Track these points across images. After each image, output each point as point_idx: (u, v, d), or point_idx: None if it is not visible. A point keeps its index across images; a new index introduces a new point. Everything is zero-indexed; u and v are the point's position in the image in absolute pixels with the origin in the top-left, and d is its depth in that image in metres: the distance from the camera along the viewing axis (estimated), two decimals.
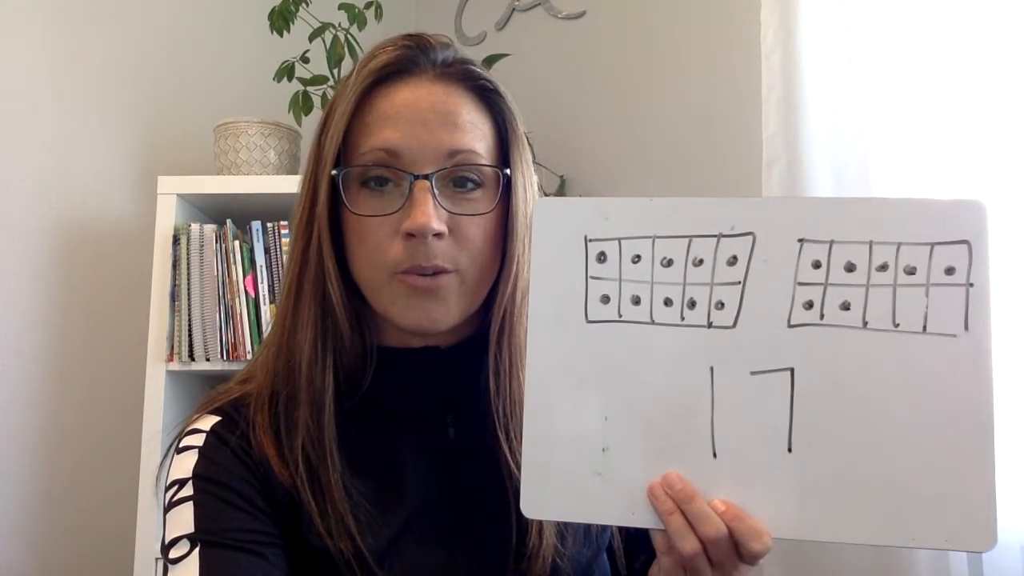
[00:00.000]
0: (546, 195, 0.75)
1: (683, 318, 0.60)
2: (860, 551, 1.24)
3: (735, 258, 0.60)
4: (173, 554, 0.66)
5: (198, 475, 0.69)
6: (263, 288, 1.60)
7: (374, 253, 0.69)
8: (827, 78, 1.36)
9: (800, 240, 0.59)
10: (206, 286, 1.58)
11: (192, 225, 1.59)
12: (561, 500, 0.61)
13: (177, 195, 1.61)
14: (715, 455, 0.59)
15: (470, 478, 0.73)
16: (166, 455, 0.73)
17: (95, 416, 1.72)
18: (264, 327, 1.57)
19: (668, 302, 0.60)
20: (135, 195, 1.81)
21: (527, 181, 0.74)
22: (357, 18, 1.71)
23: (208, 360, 1.56)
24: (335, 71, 1.70)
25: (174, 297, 1.58)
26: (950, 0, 1.26)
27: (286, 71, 1.71)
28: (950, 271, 0.57)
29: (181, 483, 0.69)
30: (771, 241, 0.59)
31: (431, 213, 0.67)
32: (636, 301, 0.61)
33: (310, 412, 0.69)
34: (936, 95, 1.26)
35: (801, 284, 0.59)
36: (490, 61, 1.78)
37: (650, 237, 0.61)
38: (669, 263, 0.61)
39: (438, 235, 0.68)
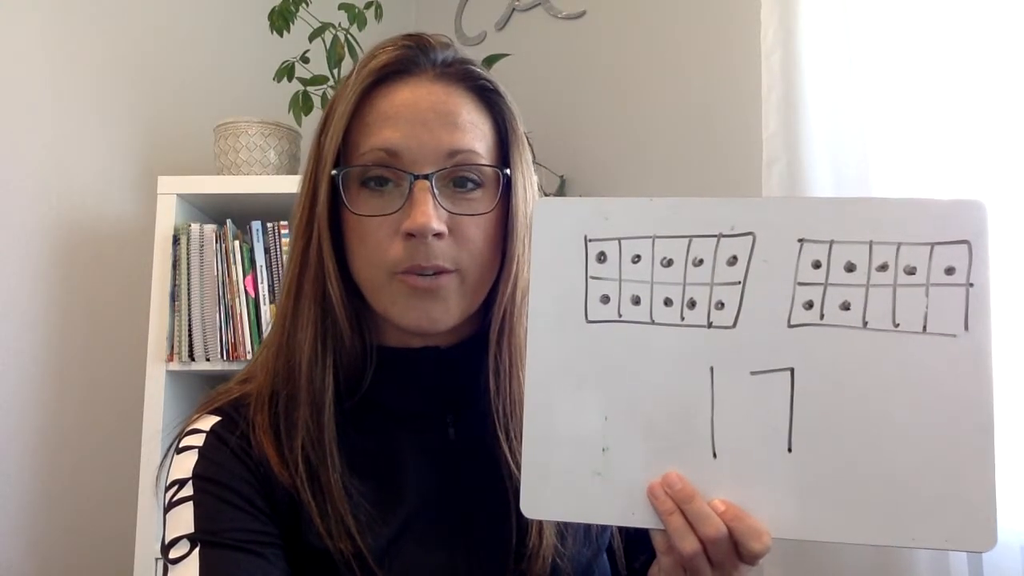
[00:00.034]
0: (546, 195, 0.74)
1: (683, 318, 0.60)
2: (860, 551, 1.24)
3: (735, 258, 0.60)
4: (173, 554, 0.66)
5: (198, 475, 0.69)
6: (263, 288, 1.60)
7: (374, 253, 0.69)
8: (827, 78, 1.36)
9: (800, 240, 0.59)
10: (206, 286, 1.58)
11: (192, 225, 1.59)
12: (561, 500, 0.61)
13: (177, 195, 1.61)
14: (715, 455, 0.59)
15: (470, 478, 0.73)
16: (166, 455, 0.73)
17: (95, 416, 1.72)
18: (264, 327, 1.57)
19: (668, 302, 0.60)
20: (135, 195, 1.81)
21: (527, 181, 0.74)
22: (357, 18, 1.71)
23: (208, 360, 1.56)
24: (335, 71, 1.70)
25: (174, 297, 1.58)
26: (950, 0, 1.26)
27: (286, 71, 1.71)
28: (950, 271, 0.57)
29: (181, 483, 0.69)
30: (771, 241, 0.59)
31: (431, 213, 0.67)
32: (636, 301, 0.61)
33: (310, 412, 0.69)
34: (936, 95, 1.26)
35: (801, 284, 0.59)
36: (490, 61, 1.78)
37: (650, 237, 0.61)
38: (669, 263, 0.61)
39: (438, 235, 0.68)
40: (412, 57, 0.72)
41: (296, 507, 0.68)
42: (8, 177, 1.62)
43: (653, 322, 0.60)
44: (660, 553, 0.61)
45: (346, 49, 1.70)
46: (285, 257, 1.54)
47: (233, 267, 1.59)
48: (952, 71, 1.25)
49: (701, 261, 0.60)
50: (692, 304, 0.60)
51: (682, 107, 1.78)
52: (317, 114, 1.61)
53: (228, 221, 1.62)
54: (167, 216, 1.60)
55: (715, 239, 0.60)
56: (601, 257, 0.62)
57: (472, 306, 0.72)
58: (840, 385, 0.58)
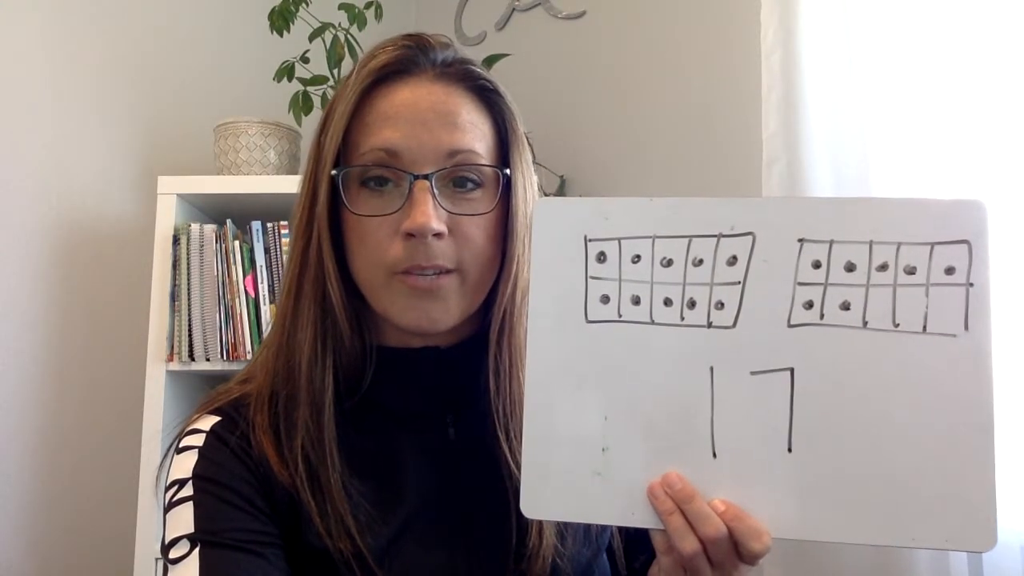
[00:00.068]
0: (546, 195, 0.75)
1: (683, 318, 0.60)
2: (860, 551, 1.24)
3: (735, 258, 0.60)
4: (173, 554, 0.66)
5: (198, 475, 0.69)
6: (263, 288, 1.59)
7: (374, 253, 0.69)
8: (827, 78, 1.36)
9: (800, 240, 0.59)
10: (206, 286, 1.58)
11: (192, 225, 1.59)
12: (561, 500, 0.61)
13: (177, 195, 1.61)
14: (715, 455, 0.59)
15: (470, 478, 0.73)
16: (166, 455, 0.73)
17: (95, 416, 1.72)
18: (264, 327, 1.57)
19: (668, 302, 0.60)
20: (135, 195, 1.81)
21: (527, 181, 0.74)
22: (357, 18, 1.71)
23: (208, 360, 1.56)
24: (335, 71, 1.70)
25: (174, 297, 1.58)
26: (950, 0, 1.26)
27: (286, 71, 1.71)
28: (950, 271, 0.57)
29: (181, 483, 0.69)
30: (771, 241, 0.59)
31: (431, 213, 0.67)
32: (636, 301, 0.61)
33: (310, 412, 0.69)
34: (936, 95, 1.26)
35: (801, 284, 0.59)
36: (490, 61, 1.78)
37: (650, 237, 0.61)
38: (669, 263, 0.61)
39: (438, 235, 0.68)
40: (412, 57, 0.72)
41: (296, 507, 0.68)
42: (8, 177, 1.62)
43: (653, 322, 0.60)
44: (660, 553, 0.61)
45: (346, 49, 1.70)
46: (285, 257, 1.54)
47: (233, 267, 1.59)
48: (952, 71, 1.25)
49: (701, 261, 0.60)
50: (692, 304, 0.60)
51: (682, 107, 1.78)
52: (317, 114, 1.61)
53: (228, 221, 1.62)
54: (167, 216, 1.60)
55: (715, 239, 0.60)
56: (601, 257, 0.61)
57: (472, 306, 0.72)
58: (840, 385, 0.58)
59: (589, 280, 0.61)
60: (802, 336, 0.59)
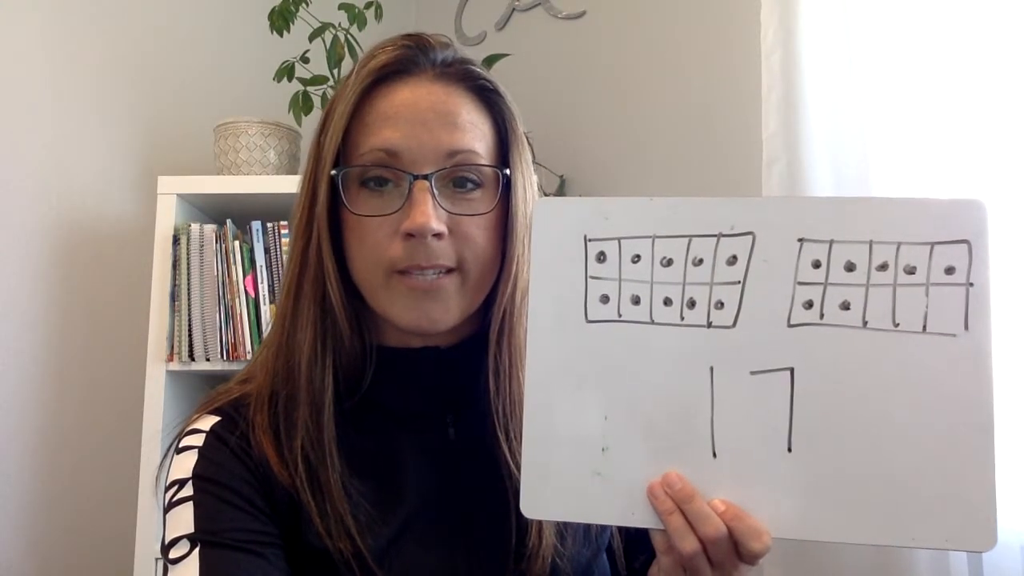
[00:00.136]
0: (546, 195, 0.75)
1: (683, 318, 0.60)
2: (860, 551, 1.24)
3: (735, 258, 0.60)
4: (173, 554, 0.66)
5: (198, 475, 0.69)
6: (263, 288, 1.59)
7: (373, 253, 0.69)
8: (827, 78, 1.36)
9: (800, 240, 0.59)
10: (206, 286, 1.58)
11: (192, 225, 1.59)
12: (561, 500, 0.61)
13: (177, 195, 1.61)
14: (715, 455, 0.59)
15: (470, 478, 0.73)
16: (166, 455, 0.73)
17: (95, 416, 1.72)
18: (264, 327, 1.57)
19: (668, 302, 0.60)
20: (135, 195, 1.81)
21: (527, 181, 0.74)
22: (357, 18, 1.71)
23: (208, 360, 1.56)
24: (335, 71, 1.70)
25: (174, 297, 1.58)
26: (950, 0, 1.26)
27: (286, 71, 1.71)
28: (950, 271, 0.57)
29: (181, 483, 0.69)
30: (771, 241, 0.59)
31: (430, 213, 0.67)
32: (636, 301, 0.61)
33: (309, 412, 0.69)
34: (936, 95, 1.26)
35: (801, 284, 0.59)
36: (490, 61, 1.78)
37: (650, 237, 0.61)
38: (669, 263, 0.61)
39: (438, 235, 0.68)
40: (412, 57, 0.72)
41: (296, 507, 0.68)
42: (8, 177, 1.62)
43: (653, 322, 0.60)
44: (660, 553, 0.61)
45: (346, 49, 1.70)
46: (285, 257, 1.53)
47: (233, 267, 1.59)
48: (952, 71, 1.25)
49: (701, 261, 0.60)
50: (692, 304, 0.60)
51: (682, 107, 1.78)
52: (317, 114, 1.61)
53: (228, 221, 1.62)
54: (167, 216, 1.60)
55: (715, 239, 0.60)
56: (601, 257, 0.61)
57: (472, 306, 0.72)
58: (840, 385, 0.58)
59: (589, 280, 0.61)
60: (802, 336, 0.59)
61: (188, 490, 0.68)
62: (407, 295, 0.69)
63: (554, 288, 0.62)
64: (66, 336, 1.69)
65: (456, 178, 0.70)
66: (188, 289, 1.57)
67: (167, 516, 0.68)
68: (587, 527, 0.75)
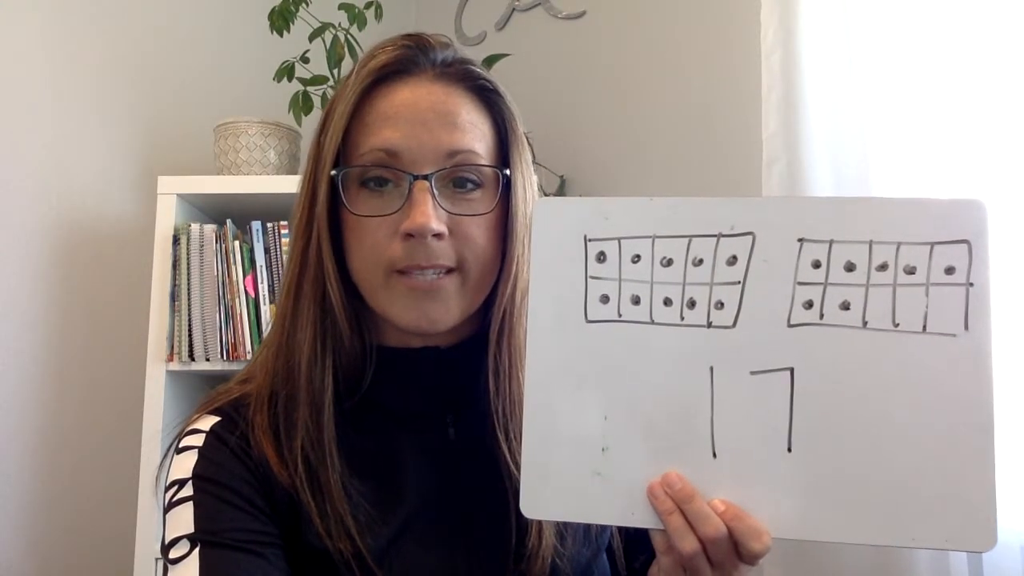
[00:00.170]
0: (546, 195, 0.74)
1: (683, 318, 0.60)
2: (860, 551, 1.24)
3: (735, 258, 0.60)
4: (173, 554, 0.66)
5: (198, 475, 0.68)
6: (263, 288, 1.59)
7: (373, 253, 0.69)
8: (827, 78, 1.36)
9: (800, 240, 0.59)
10: (206, 286, 1.58)
11: (192, 225, 1.59)
12: (561, 500, 0.61)
13: (177, 195, 1.61)
14: (715, 455, 0.59)
15: (470, 478, 0.73)
16: (166, 455, 0.73)
17: (95, 416, 1.72)
18: (264, 327, 1.57)
19: (668, 302, 0.60)
20: (135, 195, 1.81)
21: (527, 181, 0.74)
22: (357, 18, 1.71)
23: (208, 360, 1.56)
24: (335, 71, 1.70)
25: (174, 297, 1.58)
26: (950, 0, 1.26)
27: (286, 71, 1.71)
28: (950, 271, 0.57)
29: (181, 483, 0.69)
30: (771, 241, 0.59)
31: (430, 213, 0.67)
32: (636, 301, 0.61)
33: (309, 412, 0.69)
34: (936, 95, 1.26)
35: (801, 284, 0.59)
36: (490, 61, 1.78)
37: (650, 237, 0.61)
38: (669, 263, 0.61)
39: (438, 235, 0.68)
40: (412, 57, 0.72)
41: (296, 507, 0.68)
42: (8, 177, 1.62)
43: (653, 322, 0.60)
44: (660, 553, 0.61)
45: (346, 49, 1.70)
46: (285, 257, 1.53)
47: (233, 267, 1.59)
48: (952, 71, 1.25)
49: (701, 261, 0.60)
50: (692, 304, 0.60)
51: (682, 107, 1.78)
52: (317, 114, 1.61)
53: (228, 221, 1.62)
54: (167, 216, 1.60)
55: (715, 239, 0.60)
56: (601, 257, 0.61)
57: (472, 306, 0.72)
58: (840, 385, 0.58)
59: (589, 280, 0.61)
60: (802, 336, 0.59)
61: (188, 490, 0.68)
62: (407, 295, 0.69)
63: (554, 288, 0.62)
64: (66, 336, 1.69)
65: (456, 178, 0.70)
66: (188, 289, 1.57)
67: (167, 516, 0.68)
68: (587, 527, 0.75)
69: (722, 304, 0.60)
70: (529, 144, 0.77)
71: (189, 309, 1.57)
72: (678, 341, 0.60)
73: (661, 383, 0.60)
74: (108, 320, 1.74)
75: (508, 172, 0.73)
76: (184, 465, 0.69)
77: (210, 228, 1.60)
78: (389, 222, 0.69)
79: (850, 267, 0.58)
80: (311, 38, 1.70)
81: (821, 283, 0.59)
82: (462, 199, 0.70)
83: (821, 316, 0.59)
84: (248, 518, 0.67)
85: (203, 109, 1.88)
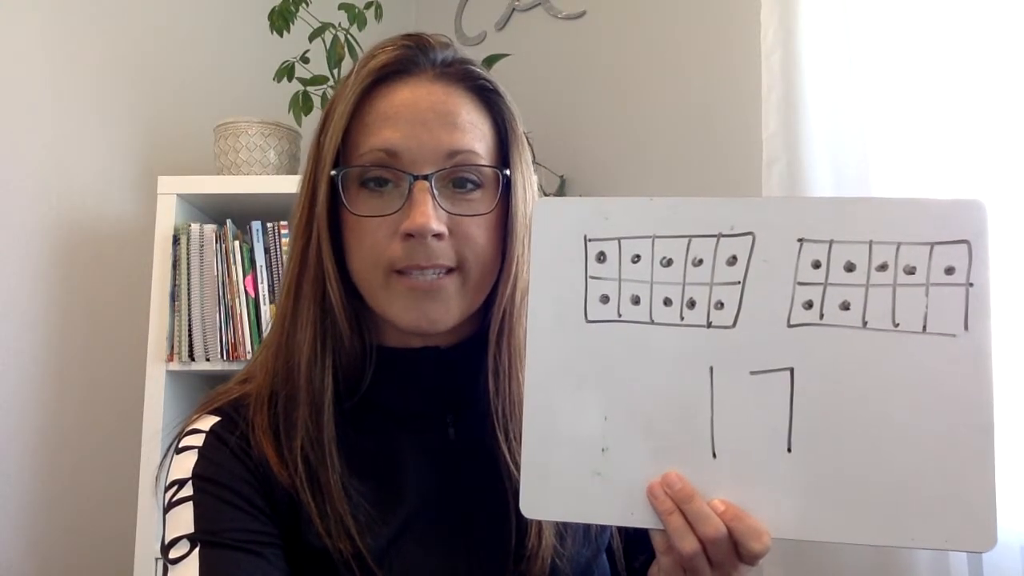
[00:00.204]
0: (546, 195, 0.75)
1: (683, 318, 0.60)
2: (860, 551, 1.24)
3: (735, 258, 0.60)
4: (173, 554, 0.66)
5: (198, 475, 0.68)
6: (263, 288, 1.59)
7: (372, 253, 0.69)
8: (827, 78, 1.36)
9: (800, 240, 0.59)
10: (206, 286, 1.58)
11: (192, 225, 1.59)
12: (561, 500, 0.61)
13: (177, 195, 1.61)
14: (715, 455, 0.59)
15: (470, 478, 0.73)
16: (165, 455, 0.73)
17: (95, 416, 1.72)
18: (264, 327, 1.57)
19: (668, 302, 0.60)
20: (135, 195, 1.81)
21: (527, 181, 0.74)
22: (357, 18, 1.71)
23: (208, 360, 1.56)
24: (335, 71, 1.70)
25: (174, 297, 1.58)
26: (950, 0, 1.26)
27: (286, 71, 1.71)
28: (950, 271, 0.57)
29: (181, 483, 0.69)
30: (771, 241, 0.59)
31: (430, 214, 0.67)
32: (636, 301, 0.61)
33: (309, 412, 0.69)
34: (936, 95, 1.26)
35: (801, 284, 0.59)
36: (490, 61, 1.78)
37: (650, 237, 0.61)
38: (669, 263, 0.61)
39: (438, 236, 0.68)
40: (412, 57, 0.72)
41: (296, 507, 0.68)
42: (8, 177, 1.62)
43: (653, 322, 0.60)
44: (660, 553, 0.61)
45: (346, 49, 1.70)
46: (285, 257, 1.53)
47: (233, 267, 1.59)
48: (952, 71, 1.25)
49: (701, 261, 0.60)
50: (692, 304, 0.60)
51: (682, 107, 1.78)
52: (317, 114, 1.61)
53: (228, 221, 1.62)
54: (167, 216, 1.60)
55: (715, 239, 0.60)
56: (601, 257, 0.61)
57: (472, 306, 0.72)
58: (840, 385, 0.58)
59: (589, 280, 0.61)
60: (802, 336, 0.59)
61: (188, 490, 0.68)
62: (407, 295, 0.69)
63: (554, 288, 0.62)
64: (66, 336, 1.69)
65: (456, 178, 0.70)
66: (188, 289, 1.57)
67: (167, 516, 0.68)
68: (587, 527, 0.75)
69: (722, 304, 0.60)
70: (529, 144, 0.77)
71: (189, 309, 1.57)
72: (678, 341, 0.60)
73: (661, 383, 0.60)
74: (108, 320, 1.74)
75: (508, 172, 0.73)
76: (184, 465, 0.69)
77: (210, 228, 1.60)
78: (389, 222, 0.69)
79: (850, 267, 0.58)
80: (311, 38, 1.70)
81: (821, 283, 0.59)
82: (462, 199, 0.70)
83: (821, 316, 0.59)
84: (248, 518, 0.67)
85: (203, 109, 1.88)
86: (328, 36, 1.70)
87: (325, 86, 1.72)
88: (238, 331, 1.57)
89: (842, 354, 0.58)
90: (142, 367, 1.57)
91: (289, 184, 1.55)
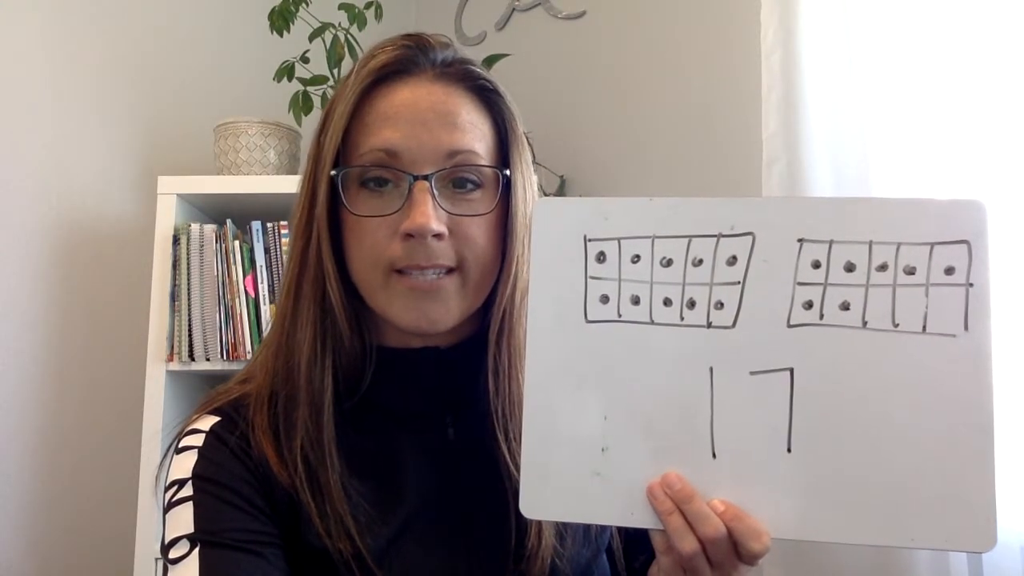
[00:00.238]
0: (546, 195, 0.75)
1: (682, 318, 0.60)
2: (860, 551, 1.24)
3: (735, 258, 0.60)
4: (173, 554, 0.66)
5: (197, 475, 0.68)
6: (263, 288, 1.59)
7: (372, 253, 0.69)
8: (827, 78, 1.36)
9: (800, 240, 0.59)
10: (206, 286, 1.58)
11: (192, 225, 1.59)
12: (560, 500, 0.60)
13: (177, 195, 1.61)
14: (714, 455, 0.59)
15: (469, 478, 0.73)
16: (165, 455, 0.73)
17: (95, 416, 1.72)
18: (264, 327, 1.57)
19: (667, 302, 0.60)
20: (135, 195, 1.81)
21: (527, 181, 0.74)
22: (357, 18, 1.71)
23: (208, 360, 1.56)
24: (335, 71, 1.70)
25: (174, 297, 1.58)
26: (950, 0, 1.26)
27: (286, 71, 1.71)
28: (950, 271, 0.57)
29: (180, 483, 0.69)
30: (771, 241, 0.59)
31: (430, 214, 0.67)
32: (635, 301, 0.61)
33: (309, 412, 0.69)
34: (936, 95, 1.26)
35: (801, 284, 0.59)
36: (490, 61, 1.78)
37: (650, 237, 0.61)
38: (668, 263, 0.61)
39: (438, 236, 0.68)
40: (412, 57, 0.72)
41: (296, 507, 0.68)
42: (8, 177, 1.62)
43: (652, 322, 0.60)
44: (659, 553, 0.61)
45: (346, 49, 1.70)
46: (285, 257, 1.54)
47: (233, 267, 1.59)
48: (952, 71, 1.25)
49: (701, 261, 0.60)
50: (691, 304, 0.60)
51: (682, 107, 1.78)
52: (317, 114, 1.61)
53: (228, 221, 1.62)
54: (167, 216, 1.60)
55: (715, 239, 0.60)
56: (601, 257, 0.61)
57: (472, 306, 0.72)
58: (840, 385, 0.58)
59: (589, 280, 0.61)
60: (802, 336, 0.59)
61: (188, 490, 0.68)
62: (406, 295, 0.69)
63: (554, 288, 0.62)
64: (66, 336, 1.69)
65: (456, 178, 0.70)
66: (188, 289, 1.57)
67: (167, 516, 0.68)
68: (587, 527, 0.75)
69: (722, 304, 0.60)
70: (529, 144, 0.77)
71: (189, 309, 1.57)
72: (678, 341, 0.60)
73: (661, 383, 0.60)
74: (108, 320, 1.74)
75: (508, 172, 0.72)
76: (184, 465, 0.69)
77: (210, 228, 1.60)
78: (389, 222, 0.69)
79: (850, 267, 0.58)
80: (311, 38, 1.70)
81: (821, 283, 0.59)
82: (462, 199, 0.70)
83: (821, 316, 0.59)
84: (248, 518, 0.67)
85: (203, 109, 1.88)
86: (328, 36, 1.70)
87: (325, 86, 1.72)
88: (238, 331, 1.57)
89: (842, 354, 0.58)
90: (142, 367, 1.57)
91: (289, 184, 1.55)
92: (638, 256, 0.61)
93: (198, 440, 0.71)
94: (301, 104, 1.71)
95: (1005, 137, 1.20)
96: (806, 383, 0.58)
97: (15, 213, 1.63)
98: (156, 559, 1.49)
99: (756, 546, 0.57)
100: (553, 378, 0.61)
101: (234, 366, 1.56)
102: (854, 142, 1.32)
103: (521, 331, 0.71)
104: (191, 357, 1.56)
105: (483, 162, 0.71)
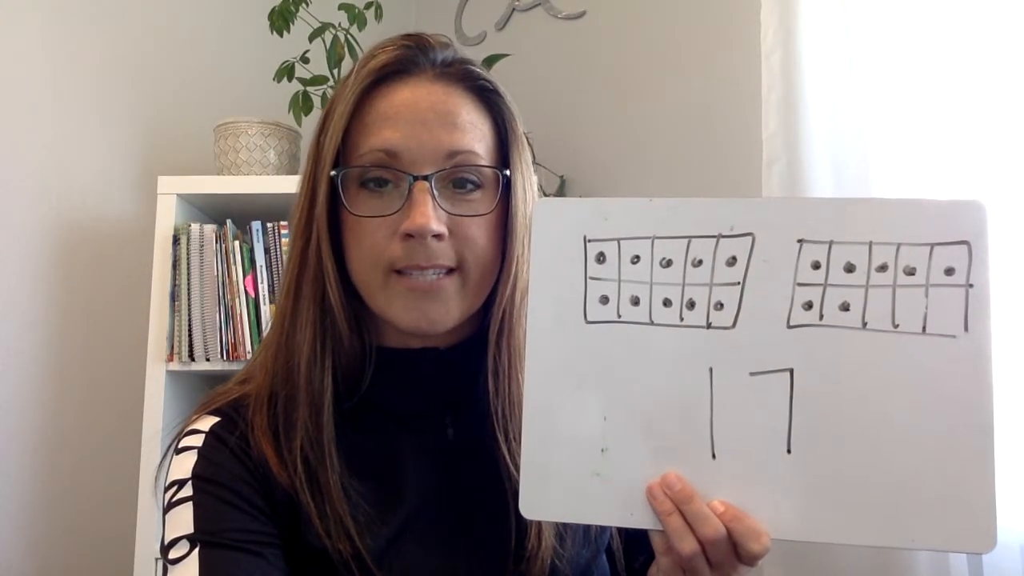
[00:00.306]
0: (546, 195, 0.75)
1: (682, 319, 0.60)
2: (860, 551, 1.24)
3: (734, 258, 0.60)
4: (173, 554, 0.66)
5: (197, 475, 0.68)
6: (263, 288, 1.59)
7: (372, 253, 0.69)
8: (827, 78, 1.35)
9: (800, 240, 0.59)
10: (206, 286, 1.58)
11: (192, 225, 1.59)
12: (560, 501, 0.60)
13: (177, 195, 1.61)
14: (714, 456, 0.59)
15: (469, 479, 0.73)
16: (165, 456, 0.73)
17: (95, 416, 1.72)
18: (264, 327, 1.57)
19: (667, 303, 0.60)
20: (135, 195, 1.81)
21: (527, 182, 0.74)
22: (357, 18, 1.71)
23: (208, 360, 1.56)
24: (335, 71, 1.70)
25: (174, 297, 1.58)
26: (950, 0, 1.26)
27: (286, 71, 1.71)
28: (950, 272, 0.57)
29: (180, 483, 0.69)
30: (771, 241, 0.59)
31: (430, 214, 0.67)
32: (635, 302, 0.61)
33: (309, 413, 0.69)
34: (936, 95, 1.26)
35: (800, 285, 0.59)
36: (490, 61, 1.78)
37: (649, 238, 0.61)
38: (668, 263, 0.60)
39: (438, 236, 0.68)
40: (412, 57, 0.72)
41: (295, 507, 0.68)
42: (8, 177, 1.62)
43: (652, 323, 0.60)
44: (659, 554, 0.61)
45: (346, 49, 1.70)
46: (285, 257, 1.53)
47: (233, 267, 1.59)
48: (952, 71, 1.25)
49: (700, 262, 0.60)
50: (691, 305, 0.60)
51: (682, 107, 1.78)
52: (317, 114, 1.60)
53: (228, 221, 1.62)
54: (167, 216, 1.60)
55: (714, 239, 0.60)
56: (600, 258, 0.61)
57: (472, 307, 0.72)
58: (839, 386, 0.58)
59: (588, 280, 0.61)
60: (801, 337, 0.59)
61: (187, 490, 0.68)
62: (406, 295, 0.69)
63: (554, 288, 0.62)
64: (66, 336, 1.69)
65: (456, 179, 0.70)
66: (188, 289, 1.57)
67: (166, 516, 0.68)
68: (586, 528, 0.75)
69: (721, 305, 0.60)
70: (529, 144, 0.77)
71: (189, 309, 1.57)
72: (677, 342, 0.60)
73: (661, 384, 0.60)
74: (108, 320, 1.74)
75: (508, 172, 0.72)
76: (183, 465, 0.69)
77: (210, 228, 1.60)
78: (389, 222, 0.69)
79: (850, 268, 0.58)
80: (311, 38, 1.70)
81: (821, 284, 0.59)
82: (462, 200, 0.70)
83: (821, 317, 0.58)
84: (247, 518, 0.67)
85: (203, 109, 1.88)
86: (328, 36, 1.70)
87: (325, 86, 1.72)
88: (238, 331, 1.57)
89: (842, 355, 0.58)
90: (142, 367, 1.57)
91: (289, 184, 1.55)
92: (638, 256, 0.61)
93: (198, 440, 0.71)
94: (301, 104, 1.71)
95: (1005, 137, 1.20)
96: (806, 384, 0.58)
97: (15, 213, 1.63)
98: (156, 559, 1.49)
99: (756, 547, 0.57)
100: (553, 378, 0.61)
101: (234, 366, 1.56)
102: (854, 142, 1.32)
103: (521, 331, 0.71)
104: (191, 357, 1.56)
105: (483, 162, 0.71)
